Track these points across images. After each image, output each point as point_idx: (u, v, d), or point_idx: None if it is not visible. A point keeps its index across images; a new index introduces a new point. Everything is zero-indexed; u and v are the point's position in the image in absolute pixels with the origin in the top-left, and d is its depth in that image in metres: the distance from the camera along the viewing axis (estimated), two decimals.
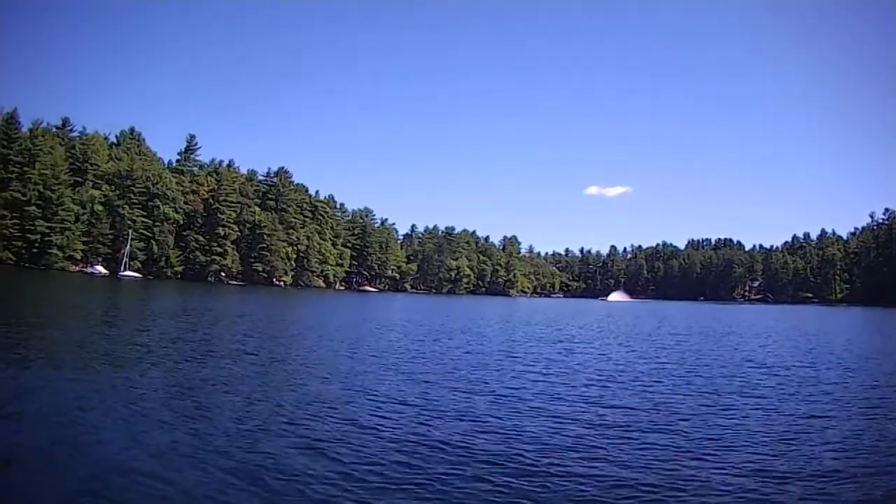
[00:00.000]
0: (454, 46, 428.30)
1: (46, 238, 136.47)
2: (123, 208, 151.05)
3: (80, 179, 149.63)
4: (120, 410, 16.00)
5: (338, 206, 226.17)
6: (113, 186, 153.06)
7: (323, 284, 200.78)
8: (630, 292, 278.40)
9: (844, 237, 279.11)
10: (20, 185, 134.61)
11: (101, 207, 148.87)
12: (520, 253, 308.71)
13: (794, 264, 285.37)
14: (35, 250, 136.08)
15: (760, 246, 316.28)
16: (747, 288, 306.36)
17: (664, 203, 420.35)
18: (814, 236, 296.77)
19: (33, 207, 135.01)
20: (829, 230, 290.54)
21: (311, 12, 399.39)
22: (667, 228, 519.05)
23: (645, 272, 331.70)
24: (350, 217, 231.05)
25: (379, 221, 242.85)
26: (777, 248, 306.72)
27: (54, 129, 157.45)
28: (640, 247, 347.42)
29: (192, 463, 12.35)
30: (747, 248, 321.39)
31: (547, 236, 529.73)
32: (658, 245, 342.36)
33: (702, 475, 12.79)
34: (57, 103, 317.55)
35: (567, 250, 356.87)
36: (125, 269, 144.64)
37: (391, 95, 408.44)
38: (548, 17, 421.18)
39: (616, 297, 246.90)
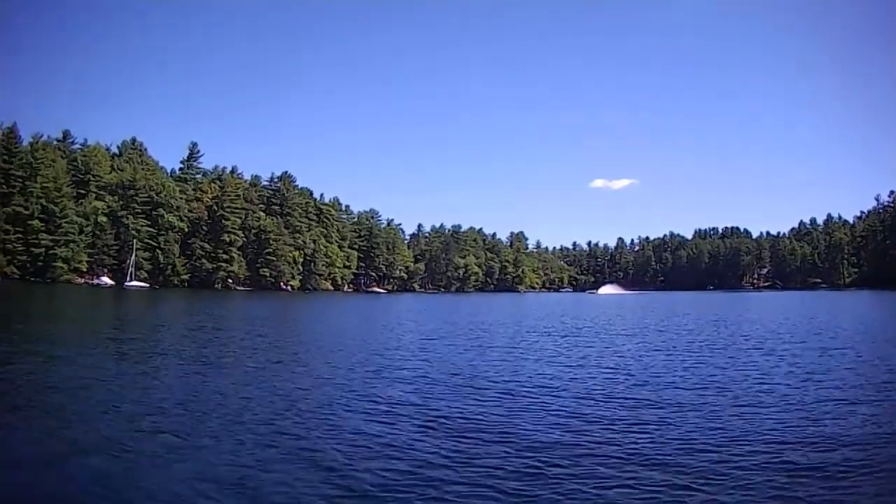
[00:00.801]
0: (454, 43, 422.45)
1: (51, 251, 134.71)
2: (127, 219, 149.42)
3: (82, 191, 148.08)
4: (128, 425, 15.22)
5: (343, 208, 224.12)
6: (116, 197, 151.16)
7: (331, 287, 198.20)
8: (630, 284, 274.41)
9: (851, 221, 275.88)
10: (22, 199, 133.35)
11: (104, 219, 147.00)
12: (527, 249, 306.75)
13: (801, 250, 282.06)
14: (40, 263, 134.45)
15: (768, 233, 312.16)
16: (756, 276, 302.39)
17: (670, 194, 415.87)
18: (820, 221, 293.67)
19: (36, 221, 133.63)
20: (835, 215, 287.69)
21: (308, 14, 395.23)
22: (673, 219, 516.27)
23: (653, 263, 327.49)
24: (356, 219, 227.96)
25: (385, 222, 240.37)
26: (784, 234, 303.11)
27: (55, 142, 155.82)
28: (647, 238, 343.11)
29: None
30: (755, 236, 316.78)
31: (554, 231, 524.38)
32: (665, 236, 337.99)
33: (722, 466, 12.34)
34: (56, 115, 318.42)
35: (575, 244, 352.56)
36: (131, 280, 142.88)
37: (391, 95, 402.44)
38: (548, 12, 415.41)
39: (608, 289, 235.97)
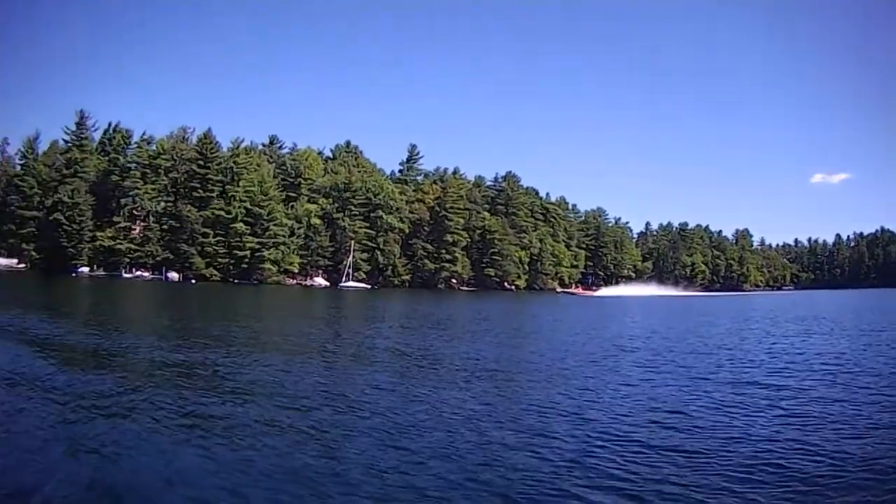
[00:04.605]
0: (706, 43, 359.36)
1: (257, 253, 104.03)
2: (343, 220, 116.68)
3: (293, 195, 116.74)
4: None
5: (570, 207, 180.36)
6: (331, 199, 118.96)
7: (558, 287, 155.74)
8: (845, 281, 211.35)
9: None
10: (223, 203, 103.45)
11: (318, 221, 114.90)
12: (752, 245, 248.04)
13: None
14: (244, 266, 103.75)
15: None
16: None
17: (885, 188, 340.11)
18: None
19: (240, 224, 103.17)
20: None
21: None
22: (887, 213, 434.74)
23: (866, 260, 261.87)
24: (583, 218, 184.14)
25: (612, 221, 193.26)
26: None
27: (260, 147, 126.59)
28: (861, 234, 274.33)
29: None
30: None
31: (774, 227, 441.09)
32: (877, 231, 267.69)
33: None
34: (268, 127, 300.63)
35: (796, 240, 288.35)
36: (348, 280, 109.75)
37: (615, 94, 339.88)
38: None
39: (611, 290, 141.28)
